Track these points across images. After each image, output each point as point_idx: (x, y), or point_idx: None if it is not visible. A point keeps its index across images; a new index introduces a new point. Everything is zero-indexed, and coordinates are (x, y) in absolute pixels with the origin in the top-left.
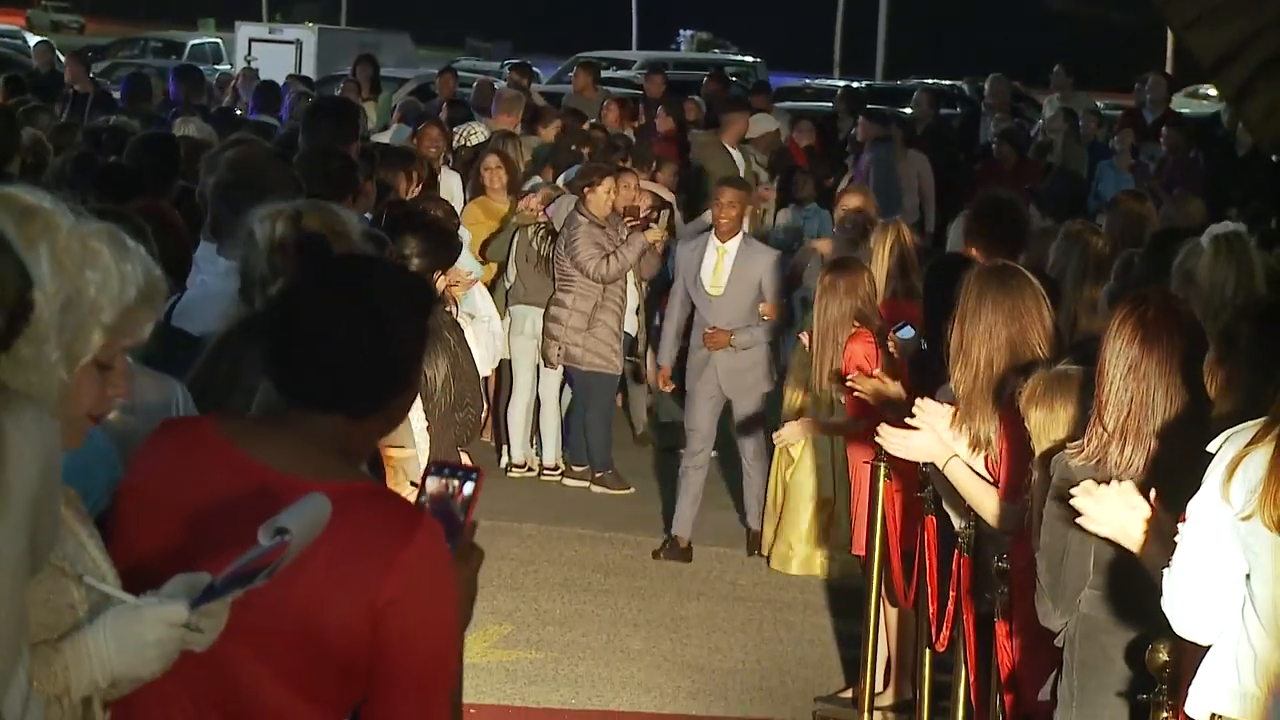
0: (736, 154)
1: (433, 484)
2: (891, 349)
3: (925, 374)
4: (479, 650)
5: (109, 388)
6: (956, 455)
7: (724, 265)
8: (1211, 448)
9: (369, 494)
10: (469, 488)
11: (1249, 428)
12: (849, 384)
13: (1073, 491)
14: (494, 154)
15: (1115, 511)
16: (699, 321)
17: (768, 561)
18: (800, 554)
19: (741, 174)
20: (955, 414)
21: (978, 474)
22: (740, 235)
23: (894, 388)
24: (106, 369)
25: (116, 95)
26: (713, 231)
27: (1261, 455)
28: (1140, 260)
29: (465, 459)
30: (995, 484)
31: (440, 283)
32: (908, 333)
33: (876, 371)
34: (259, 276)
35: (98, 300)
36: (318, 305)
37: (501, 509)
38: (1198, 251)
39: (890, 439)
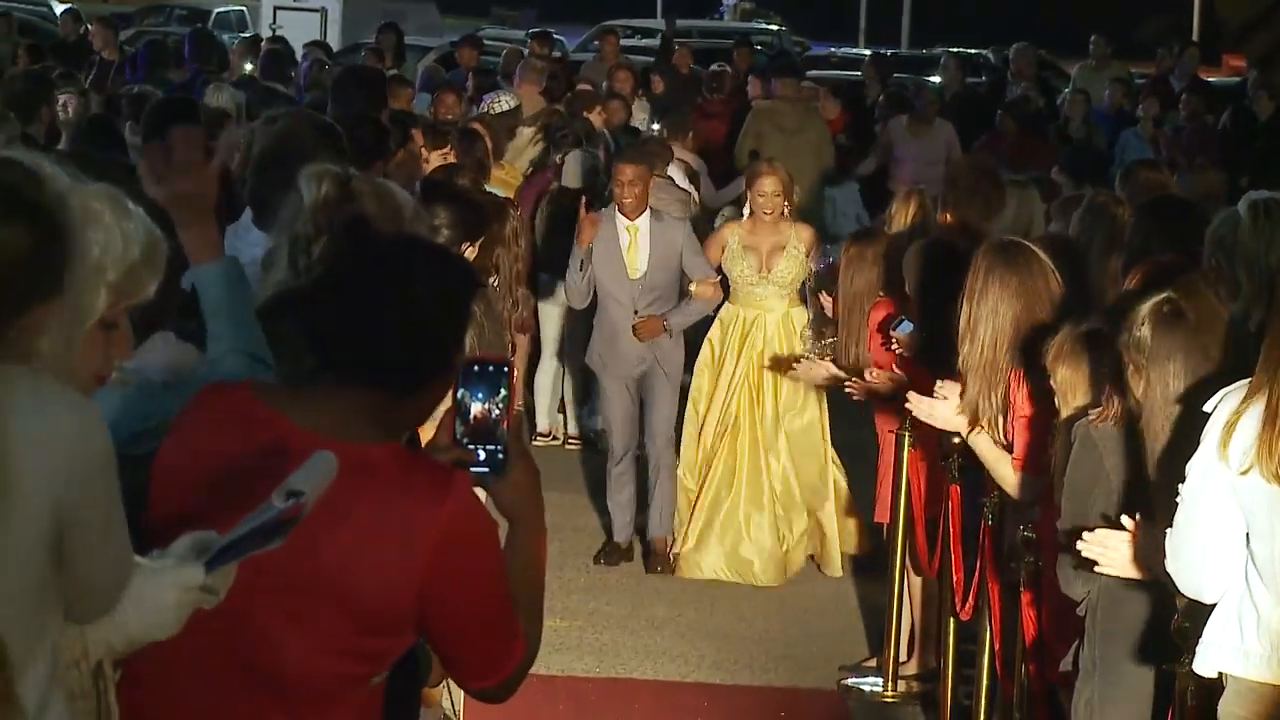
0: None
1: (474, 406)
2: (895, 346)
3: (929, 361)
4: None
5: (112, 348)
6: (981, 427)
7: (639, 245)
8: (1207, 407)
9: (400, 456)
10: (503, 389)
11: (1241, 386)
12: (865, 382)
13: (1080, 546)
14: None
15: (1124, 552)
16: (607, 316)
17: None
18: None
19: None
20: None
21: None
22: (648, 211)
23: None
24: (111, 329)
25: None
26: (616, 211)
27: (1256, 410)
28: (1133, 229)
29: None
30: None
31: (469, 253)
32: (906, 327)
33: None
34: (302, 234)
35: (101, 261)
36: (364, 284)
37: None
38: (1233, 219)
39: (919, 405)
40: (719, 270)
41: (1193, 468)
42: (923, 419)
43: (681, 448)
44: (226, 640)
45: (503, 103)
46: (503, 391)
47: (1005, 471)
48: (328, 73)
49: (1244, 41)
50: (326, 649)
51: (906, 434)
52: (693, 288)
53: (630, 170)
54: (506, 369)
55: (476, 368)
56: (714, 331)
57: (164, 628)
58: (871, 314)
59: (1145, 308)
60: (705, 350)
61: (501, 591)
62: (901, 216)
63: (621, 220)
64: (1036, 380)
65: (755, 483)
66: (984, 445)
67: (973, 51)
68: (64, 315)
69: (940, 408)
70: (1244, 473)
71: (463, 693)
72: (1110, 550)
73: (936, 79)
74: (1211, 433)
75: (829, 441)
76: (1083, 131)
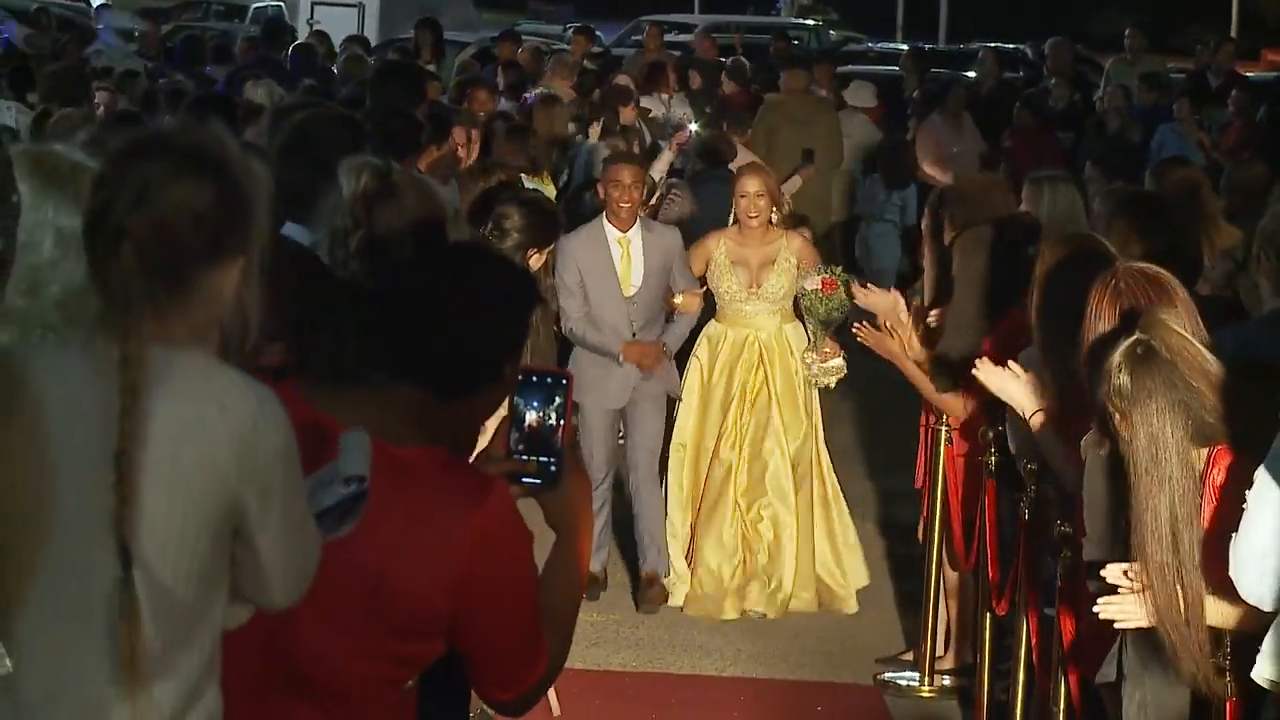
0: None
1: (529, 415)
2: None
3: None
4: None
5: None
6: (1042, 410)
7: (631, 258)
8: None
9: (441, 460)
10: (559, 400)
11: None
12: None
13: (1099, 608)
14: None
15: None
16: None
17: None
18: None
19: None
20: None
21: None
22: (638, 220)
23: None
24: None
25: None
26: (605, 220)
27: None
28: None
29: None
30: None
31: (535, 260)
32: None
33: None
34: (341, 227)
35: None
36: (428, 284)
37: None
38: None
39: (988, 375)
40: (701, 282)
41: (1261, 474)
42: (992, 389)
43: (669, 483)
44: (266, 640)
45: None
46: (558, 401)
47: (1060, 461)
48: (367, 66)
49: None
50: (360, 651)
51: (943, 430)
52: (677, 300)
53: (629, 172)
54: (565, 381)
55: (535, 378)
56: (701, 349)
57: (229, 619)
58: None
59: (1118, 355)
60: (693, 373)
61: (531, 604)
62: None
63: (611, 231)
64: None
65: (744, 514)
66: (1046, 431)
67: (1010, 46)
68: (246, 279)
69: (1011, 383)
70: None
71: None
72: (1129, 608)
73: (973, 74)
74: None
75: (827, 469)
76: (1117, 125)
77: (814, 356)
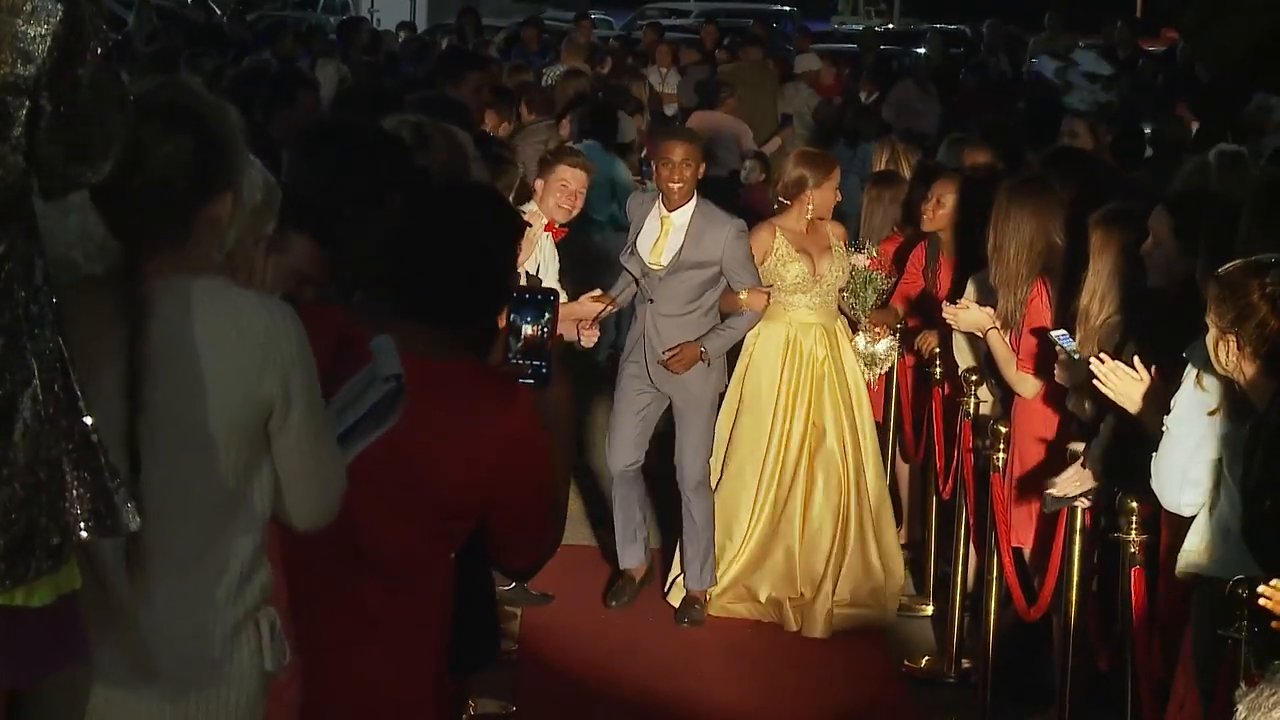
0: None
1: (525, 328)
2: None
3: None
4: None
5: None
6: (995, 328)
7: (667, 241)
8: (1186, 352)
9: (471, 371)
10: (548, 314)
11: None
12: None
13: (1094, 367)
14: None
15: (1125, 385)
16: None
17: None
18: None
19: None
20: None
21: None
22: (693, 202)
23: (984, 316)
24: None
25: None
26: (659, 198)
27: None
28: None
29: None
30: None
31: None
32: (1068, 342)
33: None
34: None
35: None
36: (428, 233)
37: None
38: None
39: (952, 313)
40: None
41: (1177, 400)
42: (950, 322)
43: (719, 491)
44: (336, 530)
45: (555, 74)
46: (548, 316)
47: (1009, 368)
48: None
49: (1177, 16)
50: (416, 532)
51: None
52: (742, 297)
53: (680, 149)
54: (553, 297)
55: (528, 295)
56: (752, 345)
57: None
58: (883, 246)
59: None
60: (741, 367)
61: (547, 490)
62: (878, 161)
63: (659, 206)
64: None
65: (794, 518)
66: (996, 343)
67: (954, 27)
68: (240, 211)
69: (964, 314)
70: (1211, 413)
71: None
72: (1120, 383)
73: (922, 50)
74: (1189, 376)
75: (883, 467)
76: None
77: (866, 338)
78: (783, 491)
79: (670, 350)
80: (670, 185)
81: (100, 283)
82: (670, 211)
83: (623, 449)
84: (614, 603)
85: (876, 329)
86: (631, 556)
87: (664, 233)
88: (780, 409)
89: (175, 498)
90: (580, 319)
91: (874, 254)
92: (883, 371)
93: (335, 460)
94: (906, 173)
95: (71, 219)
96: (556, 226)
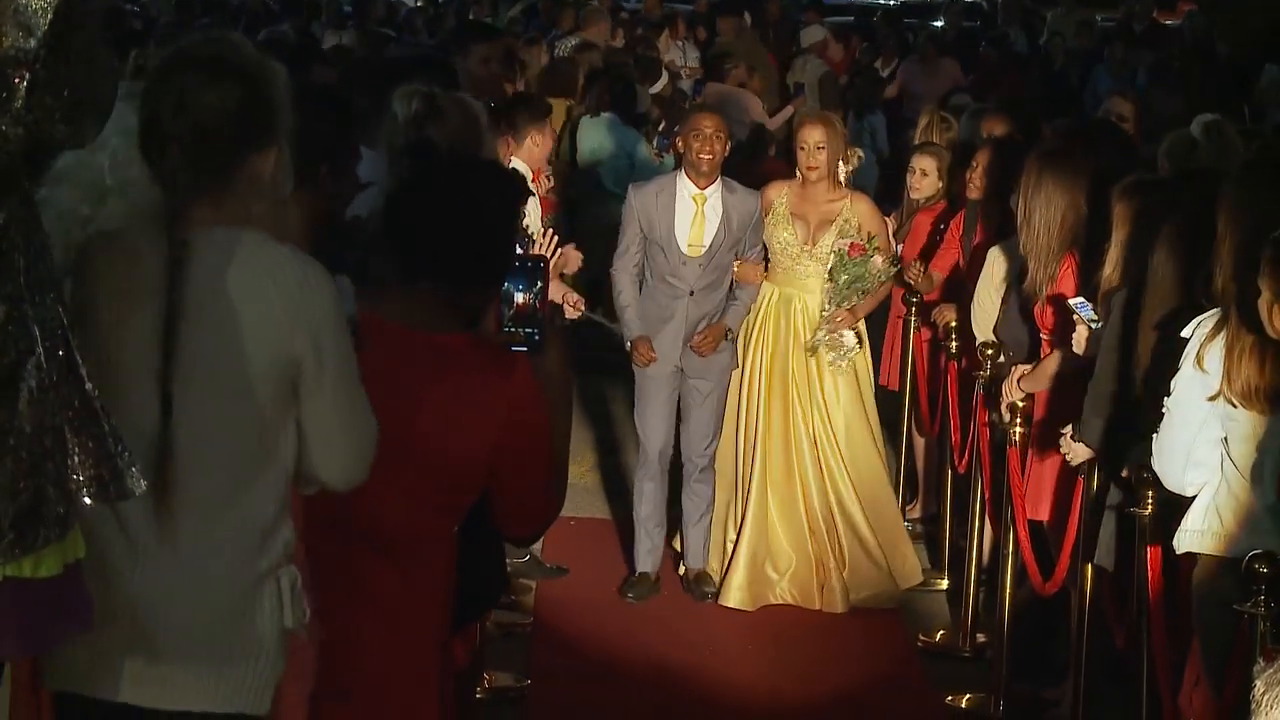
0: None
1: (517, 296)
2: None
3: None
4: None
5: None
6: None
7: (705, 219)
8: (1185, 333)
9: (471, 343)
10: (540, 281)
11: (1210, 316)
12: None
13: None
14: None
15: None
16: (654, 301)
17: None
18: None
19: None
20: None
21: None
22: (719, 179)
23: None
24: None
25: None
26: (682, 175)
27: (1219, 343)
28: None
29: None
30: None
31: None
32: (1088, 312)
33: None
34: (398, 146)
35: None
36: (429, 200)
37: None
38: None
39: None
40: None
41: (1175, 383)
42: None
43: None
44: (344, 508)
45: (567, 47)
46: (539, 284)
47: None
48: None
49: None
50: (421, 506)
51: (912, 318)
52: (736, 266)
53: (711, 122)
54: (543, 264)
55: (517, 263)
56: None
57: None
58: (921, 216)
59: None
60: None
61: (548, 458)
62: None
63: (686, 186)
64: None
65: (790, 495)
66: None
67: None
68: (280, 167)
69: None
70: (1212, 398)
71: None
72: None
73: (939, 23)
74: (1189, 356)
75: (880, 441)
76: (1061, 63)
77: (825, 326)
78: (760, 460)
79: (699, 333)
80: (701, 158)
81: (134, 230)
82: (702, 189)
83: (657, 431)
84: (630, 595)
85: (838, 319)
86: (649, 561)
87: (699, 215)
88: (746, 365)
89: (204, 441)
90: (565, 263)
91: (864, 240)
92: (841, 364)
93: (368, 417)
94: (938, 140)
95: (100, 156)
96: (543, 195)
